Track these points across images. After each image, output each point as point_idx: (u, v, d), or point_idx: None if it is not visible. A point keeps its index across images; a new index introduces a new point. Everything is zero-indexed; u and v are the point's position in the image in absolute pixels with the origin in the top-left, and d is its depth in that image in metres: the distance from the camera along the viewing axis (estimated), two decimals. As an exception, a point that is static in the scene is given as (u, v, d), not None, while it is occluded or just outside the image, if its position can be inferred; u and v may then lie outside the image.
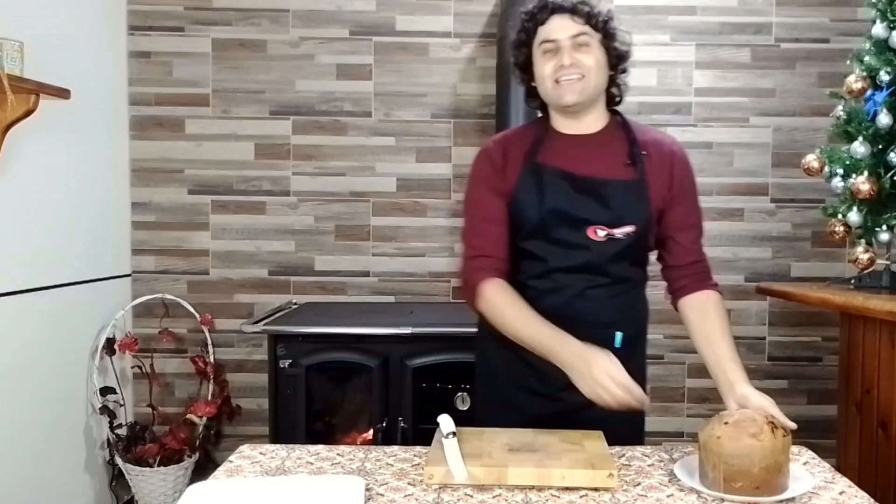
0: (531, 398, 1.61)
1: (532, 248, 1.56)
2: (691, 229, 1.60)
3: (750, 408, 1.37)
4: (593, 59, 1.49)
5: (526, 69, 1.58)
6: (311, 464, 1.45)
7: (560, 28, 1.49)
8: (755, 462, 1.24)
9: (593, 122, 1.58)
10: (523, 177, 1.54)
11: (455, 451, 1.31)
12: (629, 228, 1.52)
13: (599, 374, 1.36)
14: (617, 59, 1.54)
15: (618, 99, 1.61)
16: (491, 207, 1.56)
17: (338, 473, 1.39)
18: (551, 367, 1.45)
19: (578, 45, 1.49)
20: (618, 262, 1.55)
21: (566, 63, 1.48)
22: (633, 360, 1.65)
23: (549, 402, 1.58)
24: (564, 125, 1.58)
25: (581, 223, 1.52)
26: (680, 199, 1.57)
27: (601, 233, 1.51)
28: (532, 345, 1.47)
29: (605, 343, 1.54)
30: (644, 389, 1.68)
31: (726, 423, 1.30)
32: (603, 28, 1.50)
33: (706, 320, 1.55)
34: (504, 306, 1.50)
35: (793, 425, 1.32)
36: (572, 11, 1.48)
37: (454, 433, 1.34)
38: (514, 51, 1.58)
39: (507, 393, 1.65)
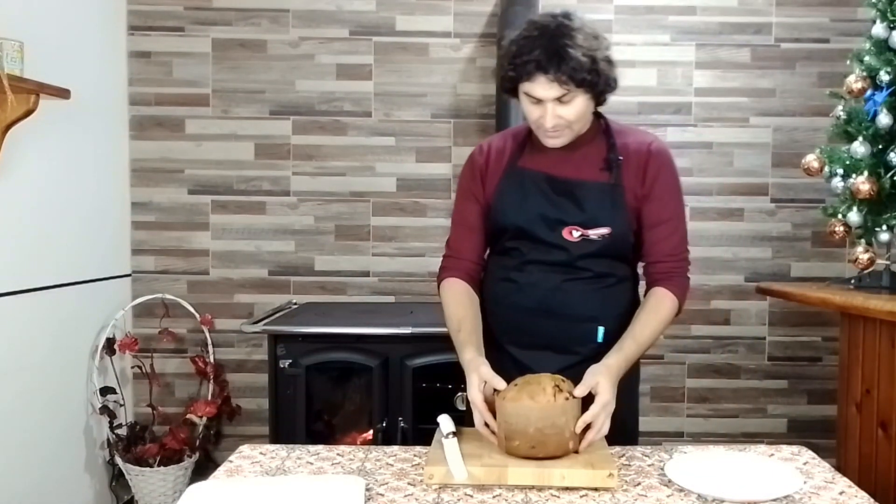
0: None
1: (514, 246, 1.62)
2: (662, 226, 1.60)
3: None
4: (575, 113, 1.48)
5: (512, 93, 1.55)
6: (311, 464, 1.45)
7: (543, 90, 1.44)
8: (531, 422, 1.31)
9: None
10: (505, 182, 1.61)
11: (455, 451, 1.31)
12: (604, 230, 1.55)
13: (468, 391, 1.42)
14: (602, 94, 1.51)
15: (603, 101, 1.59)
16: (468, 214, 1.66)
17: (338, 473, 1.39)
18: (531, 360, 1.53)
19: (562, 101, 1.46)
20: (596, 258, 1.58)
21: (549, 126, 1.48)
22: None
23: None
24: None
25: (556, 224, 1.56)
26: (652, 196, 1.58)
27: (575, 233, 1.56)
28: (454, 342, 1.56)
29: (586, 337, 1.59)
30: (637, 386, 1.73)
31: (516, 384, 1.37)
32: (588, 83, 1.44)
33: (645, 311, 1.57)
34: (445, 305, 1.61)
35: (579, 393, 1.37)
36: (556, 78, 1.41)
37: (454, 433, 1.34)
38: (500, 83, 1.58)
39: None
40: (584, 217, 1.55)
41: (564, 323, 1.58)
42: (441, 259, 1.71)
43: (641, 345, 1.51)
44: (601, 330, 1.60)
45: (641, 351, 1.52)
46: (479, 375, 1.41)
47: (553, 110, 1.46)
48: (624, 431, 1.57)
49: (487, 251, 1.71)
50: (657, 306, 1.56)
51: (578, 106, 1.48)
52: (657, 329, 1.54)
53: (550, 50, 1.41)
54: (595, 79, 1.45)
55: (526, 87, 1.47)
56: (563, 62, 1.41)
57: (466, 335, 1.53)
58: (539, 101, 1.47)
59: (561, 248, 1.57)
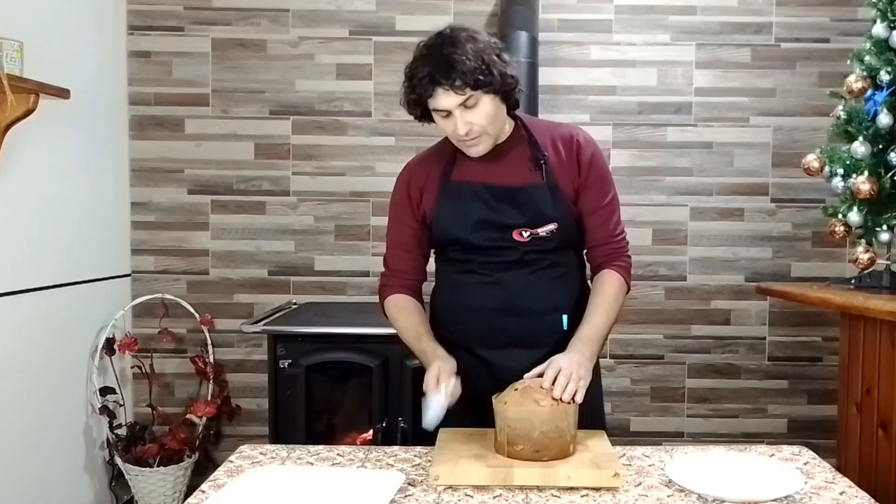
0: (484, 394, 1.62)
1: (465, 255, 1.65)
2: (599, 212, 1.65)
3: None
4: (484, 116, 1.52)
5: (425, 117, 1.59)
6: (312, 464, 1.45)
7: (444, 101, 1.49)
8: (535, 426, 1.33)
9: (500, 136, 1.64)
10: (443, 197, 1.64)
11: (440, 401, 1.39)
12: (551, 226, 1.61)
13: (425, 378, 1.50)
14: (508, 92, 1.55)
15: (514, 103, 1.62)
16: (403, 236, 1.71)
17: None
18: (501, 360, 1.56)
19: (467, 107, 1.50)
20: (548, 252, 1.63)
21: (462, 133, 1.52)
22: None
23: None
24: None
25: (504, 228, 1.61)
26: (587, 185, 1.64)
27: (525, 234, 1.61)
28: (414, 350, 1.63)
29: (553, 328, 1.62)
30: (598, 370, 1.75)
31: (516, 389, 1.39)
32: (483, 83, 1.48)
33: (593, 294, 1.63)
34: (396, 318, 1.68)
35: (577, 399, 1.40)
36: (451, 86, 1.46)
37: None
38: (410, 111, 1.59)
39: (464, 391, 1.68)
40: (528, 219, 1.60)
41: (531, 317, 1.62)
42: (379, 277, 1.77)
43: (597, 326, 1.56)
44: (565, 318, 1.64)
45: (601, 332, 1.57)
46: (439, 367, 1.49)
47: (462, 117, 1.50)
48: (593, 418, 1.61)
49: (433, 260, 1.77)
50: (605, 289, 1.62)
51: (486, 108, 1.51)
52: (610, 307, 1.60)
53: (439, 62, 1.47)
54: (489, 78, 1.48)
55: (431, 104, 1.52)
56: (452, 70, 1.45)
57: (428, 340, 1.61)
58: (448, 114, 1.52)
59: (514, 249, 1.62)
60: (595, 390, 1.73)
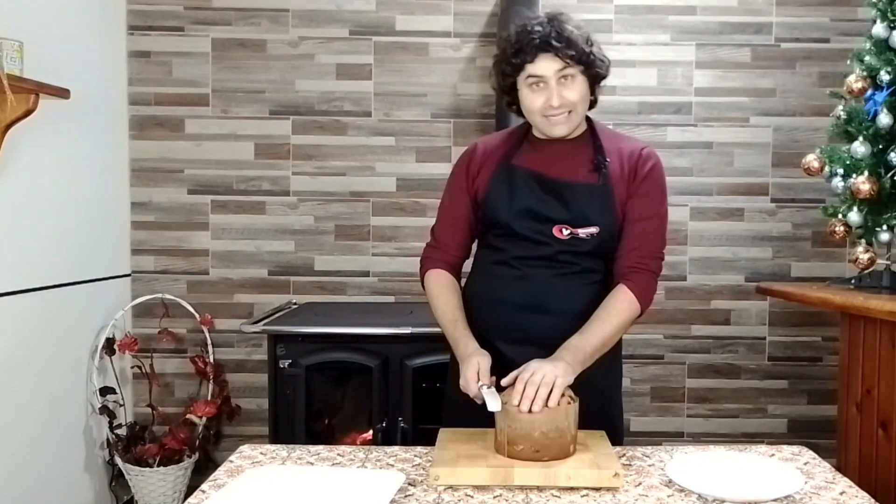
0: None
1: (503, 242, 1.66)
2: (636, 223, 1.62)
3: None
4: (577, 94, 1.56)
5: (509, 92, 1.64)
6: (312, 464, 1.45)
7: (546, 66, 1.54)
8: (536, 426, 1.34)
9: (574, 131, 1.65)
10: (496, 178, 1.66)
11: (494, 392, 1.39)
12: (593, 229, 1.61)
13: (463, 374, 1.50)
14: (597, 80, 1.61)
15: (594, 99, 1.66)
16: (456, 210, 1.73)
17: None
18: (515, 355, 1.55)
19: (563, 78, 1.55)
20: (584, 256, 1.63)
21: (555, 104, 1.55)
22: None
23: None
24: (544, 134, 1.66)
25: (546, 220, 1.61)
26: (636, 194, 1.63)
27: (565, 231, 1.61)
28: (446, 335, 1.64)
29: (571, 331, 1.57)
30: (619, 383, 1.80)
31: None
32: (585, 60, 1.55)
33: (599, 307, 1.60)
34: (435, 297, 1.69)
35: (550, 403, 1.38)
36: (557, 52, 1.52)
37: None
38: (498, 77, 1.64)
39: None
40: (571, 216, 1.60)
41: (551, 317, 1.61)
42: (424, 247, 1.77)
43: (589, 339, 1.52)
44: None
45: (592, 345, 1.52)
46: (478, 364, 1.48)
47: (557, 90, 1.54)
48: (612, 432, 1.59)
49: (475, 244, 1.77)
50: (611, 303, 1.58)
51: (580, 87, 1.56)
52: (611, 324, 1.56)
53: (550, 29, 1.53)
54: (591, 57, 1.55)
55: (528, 69, 1.55)
56: (561, 39, 1.52)
57: (463, 328, 1.61)
58: (541, 88, 1.55)
59: (549, 245, 1.61)
60: (610, 400, 1.73)
